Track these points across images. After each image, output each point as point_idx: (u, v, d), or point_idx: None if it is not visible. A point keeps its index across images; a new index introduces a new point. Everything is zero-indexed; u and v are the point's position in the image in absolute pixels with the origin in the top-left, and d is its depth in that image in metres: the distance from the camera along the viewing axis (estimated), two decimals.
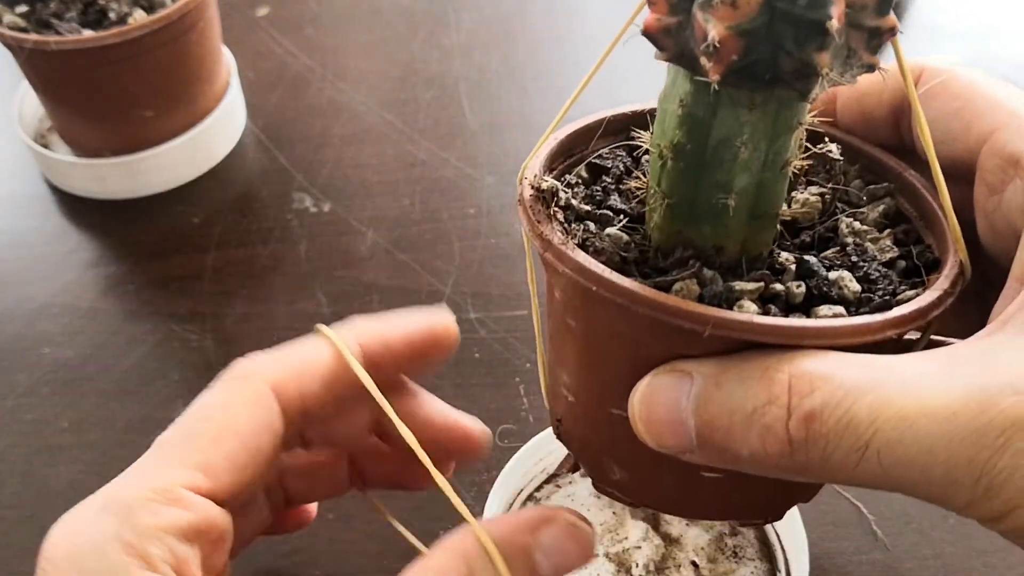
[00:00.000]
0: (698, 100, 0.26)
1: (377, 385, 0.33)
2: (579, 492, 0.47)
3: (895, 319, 0.26)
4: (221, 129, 0.70)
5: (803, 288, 0.27)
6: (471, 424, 0.37)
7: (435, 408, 0.37)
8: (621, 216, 0.30)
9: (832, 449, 0.23)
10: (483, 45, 0.79)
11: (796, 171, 0.28)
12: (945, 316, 0.27)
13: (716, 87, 0.25)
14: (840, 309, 0.27)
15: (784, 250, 0.30)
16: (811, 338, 0.24)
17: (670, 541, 0.45)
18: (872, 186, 0.32)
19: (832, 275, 0.28)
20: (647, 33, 0.26)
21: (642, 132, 0.30)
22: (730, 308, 0.26)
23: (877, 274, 0.29)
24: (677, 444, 0.26)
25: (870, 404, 0.23)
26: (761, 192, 0.28)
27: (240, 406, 0.32)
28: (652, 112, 0.32)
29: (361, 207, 0.66)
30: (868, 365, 0.24)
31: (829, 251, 0.30)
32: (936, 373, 0.24)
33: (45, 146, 0.69)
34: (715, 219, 0.28)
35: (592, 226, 0.29)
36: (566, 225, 0.29)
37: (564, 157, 0.32)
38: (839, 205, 0.32)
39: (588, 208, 0.30)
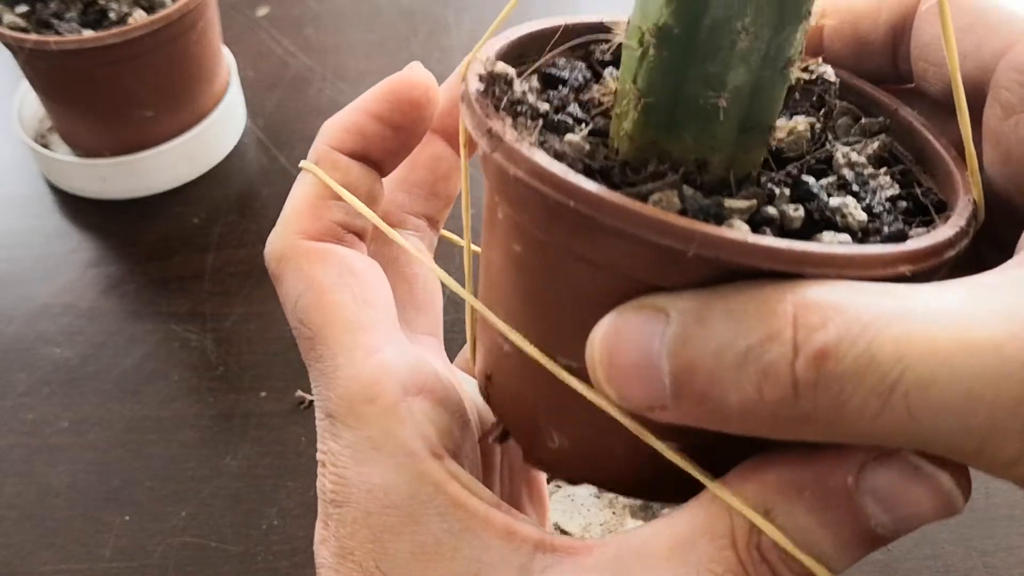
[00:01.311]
0: None
1: (388, 168, 0.31)
2: (579, 492, 0.47)
3: (911, 252, 0.21)
4: (221, 129, 0.70)
5: (801, 212, 0.23)
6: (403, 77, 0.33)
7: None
8: (582, 125, 0.25)
9: (849, 394, 0.19)
10: None
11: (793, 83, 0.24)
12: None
13: None
14: (846, 237, 0.23)
15: (771, 182, 0.25)
16: (815, 265, 0.20)
17: None
18: (863, 121, 0.28)
19: (834, 201, 0.24)
20: None
21: (615, 25, 0.25)
22: (717, 223, 0.22)
23: (881, 208, 0.25)
24: (646, 395, 0.21)
25: (897, 337, 0.19)
26: (756, 96, 0.23)
27: (316, 279, 0.29)
28: (616, 24, 0.28)
29: None
30: (887, 293, 0.20)
31: (825, 180, 0.26)
32: (971, 301, 0.20)
33: (45, 146, 0.69)
34: (701, 125, 0.23)
35: (546, 129, 0.24)
36: (520, 122, 0.24)
37: (513, 64, 0.27)
38: (830, 137, 0.28)
39: (546, 108, 0.25)
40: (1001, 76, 0.25)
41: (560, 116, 0.25)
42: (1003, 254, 0.23)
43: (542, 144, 0.23)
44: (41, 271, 0.63)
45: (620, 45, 0.26)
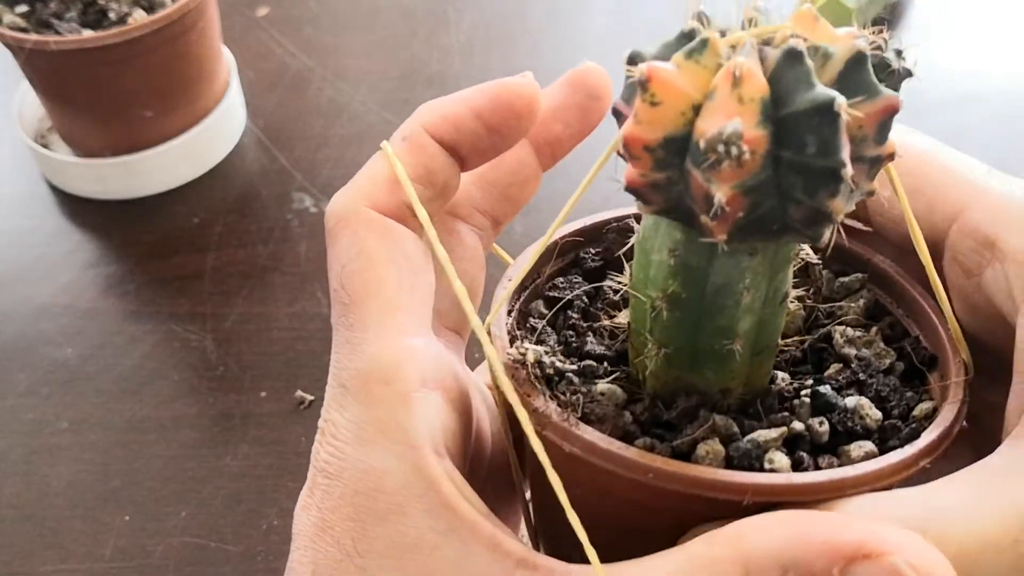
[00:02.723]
0: (692, 249, 0.24)
1: (467, 163, 0.31)
2: None
3: (927, 448, 0.25)
4: (221, 129, 0.70)
5: (826, 426, 0.26)
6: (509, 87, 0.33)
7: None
8: (604, 363, 0.28)
9: None
10: (483, 45, 0.79)
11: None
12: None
13: (723, 247, 0.23)
14: (870, 446, 0.26)
15: (778, 368, 0.29)
16: (852, 487, 0.24)
17: None
18: (845, 279, 0.31)
19: (850, 403, 0.27)
20: (630, 189, 0.24)
21: (616, 275, 0.29)
22: (760, 463, 0.25)
23: (887, 389, 0.28)
24: None
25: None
26: (762, 328, 0.26)
27: (371, 250, 0.29)
28: (604, 227, 0.32)
29: None
30: (909, 503, 0.23)
31: (831, 369, 0.29)
32: (980, 497, 0.23)
33: (45, 146, 0.69)
34: (718, 364, 0.26)
35: (576, 379, 0.27)
36: (557, 393, 0.26)
37: (517, 292, 0.30)
38: (821, 309, 0.31)
39: (574, 367, 0.28)
40: (956, 243, 0.28)
41: (584, 361, 0.28)
42: (980, 375, 0.28)
43: (585, 412, 0.26)
44: (41, 271, 0.63)
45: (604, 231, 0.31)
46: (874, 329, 0.30)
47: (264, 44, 0.81)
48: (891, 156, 0.23)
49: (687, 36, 0.23)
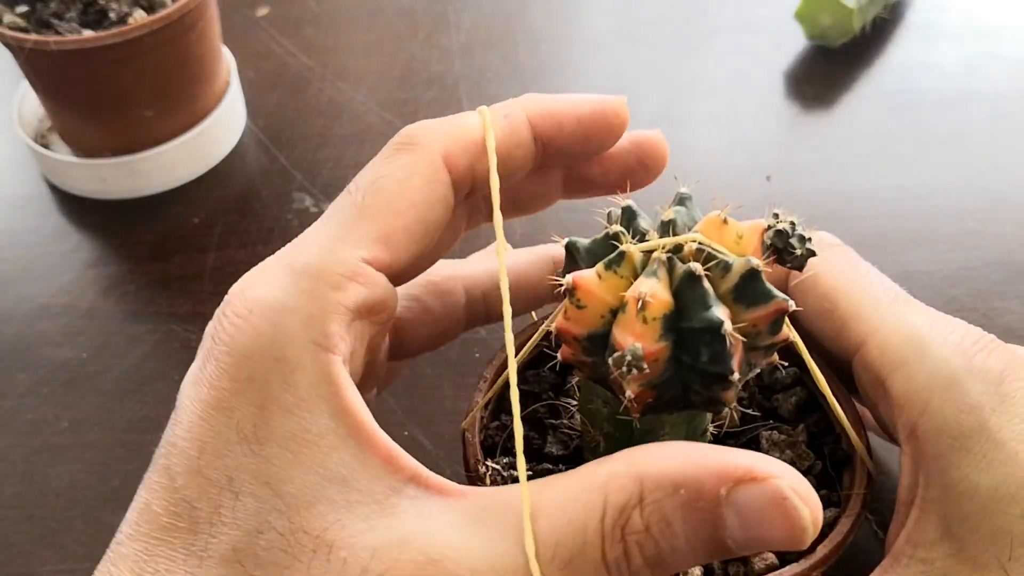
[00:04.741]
0: (620, 404, 0.27)
1: (546, 160, 0.33)
2: None
3: (822, 559, 0.29)
4: (221, 129, 0.70)
5: None
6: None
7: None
8: (560, 465, 0.32)
9: None
10: (483, 45, 0.79)
11: None
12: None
13: (637, 424, 0.27)
14: (772, 557, 0.30)
15: None
16: None
17: None
18: (781, 372, 0.35)
19: None
20: (565, 361, 0.27)
21: (570, 401, 0.32)
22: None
23: None
24: None
25: None
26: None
27: (414, 176, 0.30)
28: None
29: None
30: None
31: None
32: None
33: (45, 146, 0.69)
34: None
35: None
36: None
37: (493, 381, 0.34)
38: (756, 408, 0.35)
39: (529, 475, 0.30)
40: (859, 373, 0.31)
41: (542, 464, 0.33)
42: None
43: None
44: (41, 271, 0.63)
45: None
46: (800, 427, 0.34)
47: (264, 44, 0.81)
48: (785, 340, 0.27)
49: (614, 237, 0.27)
